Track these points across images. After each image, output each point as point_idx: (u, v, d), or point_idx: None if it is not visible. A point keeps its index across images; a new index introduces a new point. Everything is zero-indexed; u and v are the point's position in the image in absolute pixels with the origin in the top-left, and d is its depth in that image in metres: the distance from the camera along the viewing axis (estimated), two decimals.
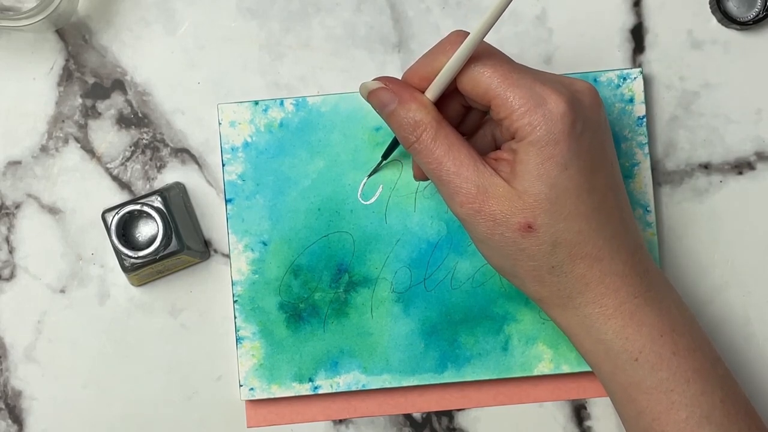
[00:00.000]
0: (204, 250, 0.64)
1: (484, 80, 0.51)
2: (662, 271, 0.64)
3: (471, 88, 0.52)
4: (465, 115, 0.57)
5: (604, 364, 0.53)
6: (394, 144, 0.60)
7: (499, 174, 0.52)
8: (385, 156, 0.61)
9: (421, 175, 0.59)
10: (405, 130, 0.53)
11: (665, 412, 0.52)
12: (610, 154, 0.53)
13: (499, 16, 0.50)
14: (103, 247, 0.64)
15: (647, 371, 0.52)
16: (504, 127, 0.51)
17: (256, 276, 0.62)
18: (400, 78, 0.55)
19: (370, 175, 0.62)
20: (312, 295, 0.62)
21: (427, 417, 0.65)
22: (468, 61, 0.52)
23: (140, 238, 0.61)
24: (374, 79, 0.54)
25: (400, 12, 0.65)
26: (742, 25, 0.64)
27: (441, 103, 0.54)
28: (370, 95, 0.54)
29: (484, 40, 0.51)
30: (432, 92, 0.53)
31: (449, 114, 0.55)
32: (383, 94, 0.53)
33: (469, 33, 0.51)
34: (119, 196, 0.64)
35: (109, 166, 0.65)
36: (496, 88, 0.51)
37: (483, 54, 0.52)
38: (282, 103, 0.63)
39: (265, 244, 0.62)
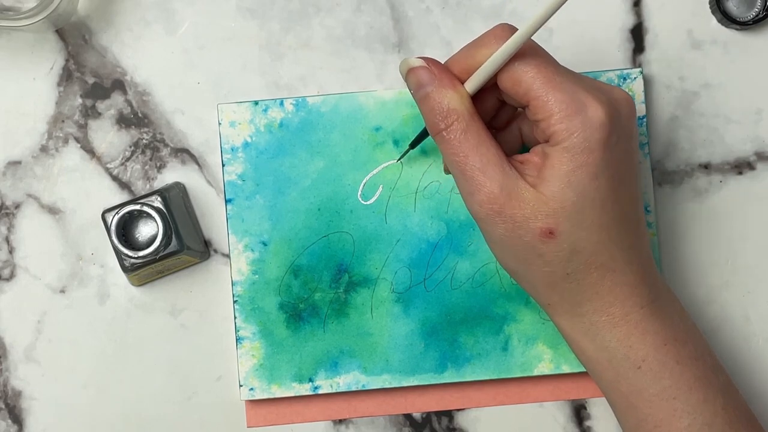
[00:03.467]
0: (204, 250, 0.64)
1: (527, 80, 0.50)
2: (663, 275, 0.64)
3: (511, 85, 0.51)
4: (498, 110, 0.56)
5: (606, 372, 0.53)
6: (425, 133, 0.59)
7: (525, 177, 0.51)
8: (413, 145, 0.60)
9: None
10: (436, 116, 0.52)
11: (667, 419, 0.52)
12: (636, 165, 0.53)
13: (553, 13, 0.49)
14: (103, 247, 0.64)
15: (650, 379, 0.52)
16: (540, 129, 0.51)
17: (256, 276, 0.62)
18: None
19: (399, 159, 0.62)
20: (312, 296, 0.62)
21: (427, 417, 0.65)
22: (511, 58, 0.51)
23: (140, 238, 0.61)
24: (417, 57, 0.53)
25: (400, 12, 0.65)
26: (742, 25, 0.64)
27: (477, 95, 0.53)
28: (410, 72, 0.53)
29: (531, 38, 0.51)
30: (471, 84, 0.52)
31: (484, 107, 0.55)
32: (424, 74, 0.52)
33: (514, 28, 0.51)
34: (119, 196, 0.64)
35: (109, 166, 0.65)
36: (538, 89, 0.50)
37: (528, 52, 0.51)
38: (282, 103, 0.63)
39: (265, 244, 0.62)
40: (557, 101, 0.50)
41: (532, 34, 0.50)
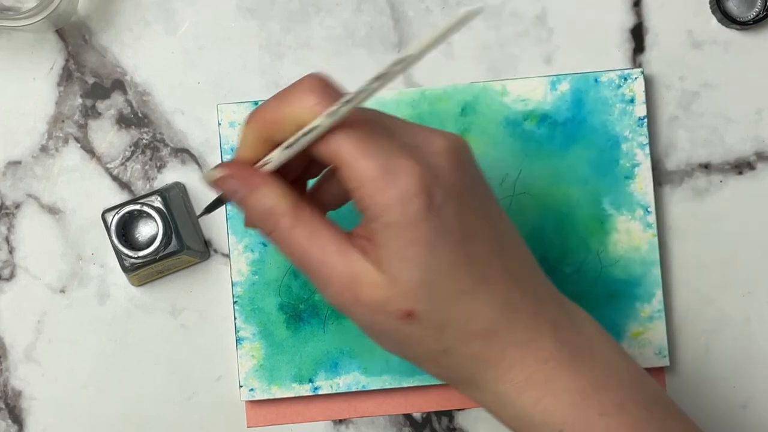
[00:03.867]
0: (204, 250, 0.64)
1: (335, 142, 0.44)
2: (663, 275, 0.64)
3: (317, 145, 0.45)
4: (309, 163, 0.49)
5: None
6: (218, 202, 0.54)
7: (367, 256, 0.45)
8: (208, 210, 0.54)
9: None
10: (259, 220, 0.47)
11: None
12: (490, 211, 0.47)
13: (381, 89, 0.43)
14: (103, 247, 0.64)
15: None
16: (354, 199, 0.45)
17: (256, 277, 0.62)
18: (249, 113, 0.48)
19: (199, 216, 0.57)
20: (312, 296, 0.62)
21: (427, 417, 0.65)
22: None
23: (140, 238, 0.61)
24: (216, 167, 0.48)
25: (400, 12, 0.65)
26: (742, 25, 0.64)
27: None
28: (216, 184, 0.48)
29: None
30: (285, 155, 0.46)
31: (292, 162, 0.47)
32: (229, 183, 0.47)
33: (326, 82, 0.45)
34: (119, 196, 0.64)
35: (109, 166, 0.65)
36: (346, 155, 0.44)
37: None
38: None
39: (265, 244, 0.62)
40: (367, 169, 0.44)
41: (353, 107, 0.43)
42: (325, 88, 0.45)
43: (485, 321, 0.46)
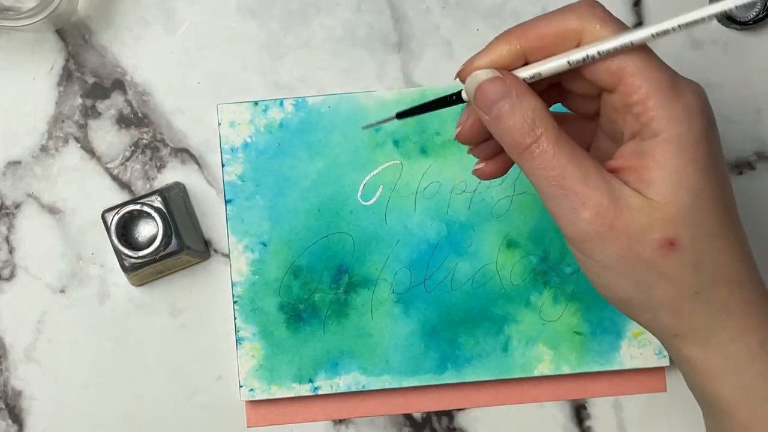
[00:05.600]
0: (204, 250, 0.64)
1: (621, 58, 0.42)
2: None
3: (600, 62, 0.43)
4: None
5: (740, 411, 0.45)
6: (421, 109, 0.48)
7: (627, 183, 0.43)
8: (401, 116, 0.49)
9: (468, 137, 0.47)
10: (521, 131, 0.43)
11: None
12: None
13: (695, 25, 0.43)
14: (103, 247, 0.64)
15: None
16: (632, 115, 0.43)
17: (256, 277, 0.62)
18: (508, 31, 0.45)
19: (370, 126, 0.53)
20: (312, 296, 0.62)
21: (427, 417, 0.65)
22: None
23: (140, 238, 0.61)
24: (483, 70, 0.44)
25: (400, 12, 0.65)
26: (742, 25, 0.64)
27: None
28: (481, 87, 0.44)
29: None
30: (548, 72, 0.44)
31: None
32: (498, 87, 0.44)
33: (601, 8, 0.44)
34: (119, 196, 0.64)
35: (109, 166, 0.65)
36: (633, 65, 0.42)
37: (620, 26, 0.44)
38: (282, 104, 0.62)
39: (264, 245, 0.62)
40: (655, 80, 0.42)
41: (650, 39, 0.43)
42: (602, 12, 0.44)
43: (734, 268, 0.44)
